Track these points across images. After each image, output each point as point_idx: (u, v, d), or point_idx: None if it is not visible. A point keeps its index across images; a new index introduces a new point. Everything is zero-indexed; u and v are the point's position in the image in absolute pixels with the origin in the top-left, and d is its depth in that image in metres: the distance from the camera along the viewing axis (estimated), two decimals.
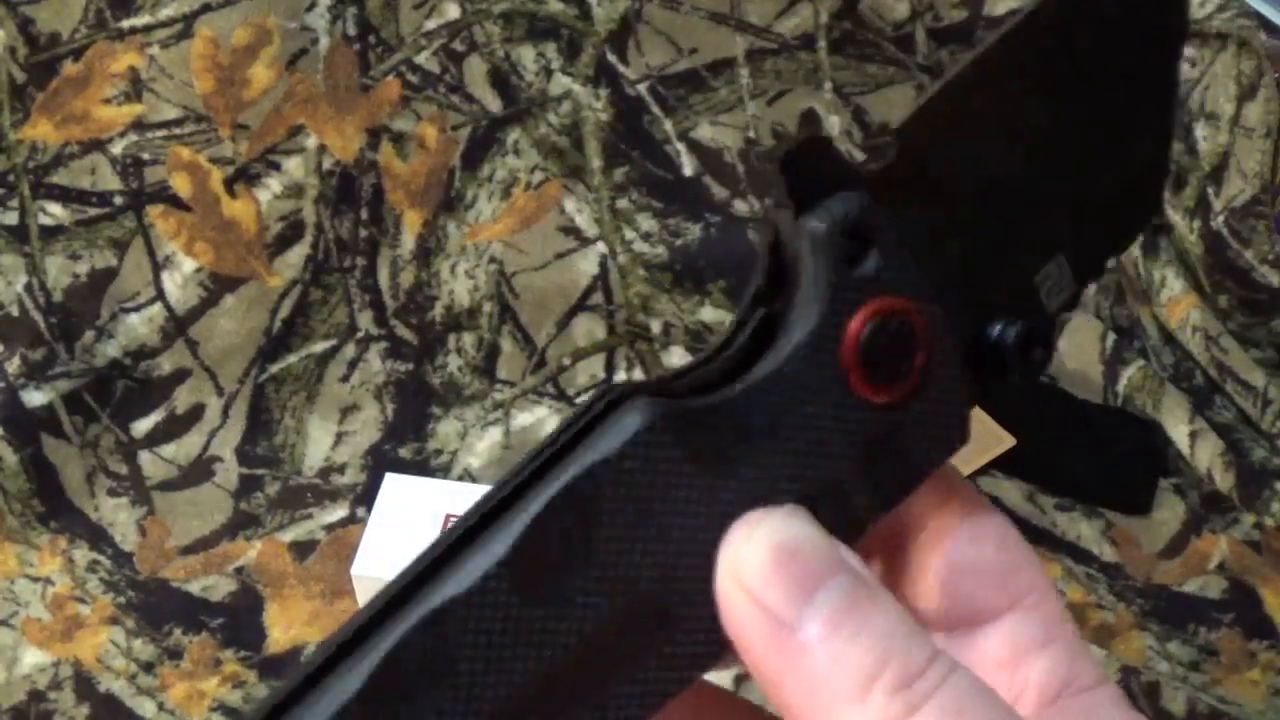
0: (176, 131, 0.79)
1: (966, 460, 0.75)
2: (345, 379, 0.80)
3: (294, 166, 0.80)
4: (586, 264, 0.82)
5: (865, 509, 0.24)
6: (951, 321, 0.24)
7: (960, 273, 0.25)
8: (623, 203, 0.83)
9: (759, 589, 0.22)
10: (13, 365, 0.77)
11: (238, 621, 0.69)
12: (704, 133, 0.83)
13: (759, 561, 0.22)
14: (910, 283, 0.24)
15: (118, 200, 0.79)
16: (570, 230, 0.82)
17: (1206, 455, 0.75)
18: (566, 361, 0.81)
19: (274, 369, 0.80)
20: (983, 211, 0.26)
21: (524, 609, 0.22)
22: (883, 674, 0.21)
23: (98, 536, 0.73)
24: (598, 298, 0.82)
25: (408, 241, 0.82)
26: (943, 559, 0.25)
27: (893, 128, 0.26)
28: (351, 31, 0.80)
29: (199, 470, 0.77)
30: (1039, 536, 0.73)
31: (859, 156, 0.84)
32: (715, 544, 0.23)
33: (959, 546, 0.25)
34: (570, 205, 0.82)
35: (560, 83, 0.82)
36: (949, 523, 0.25)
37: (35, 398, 0.75)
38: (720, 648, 0.23)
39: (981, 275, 0.26)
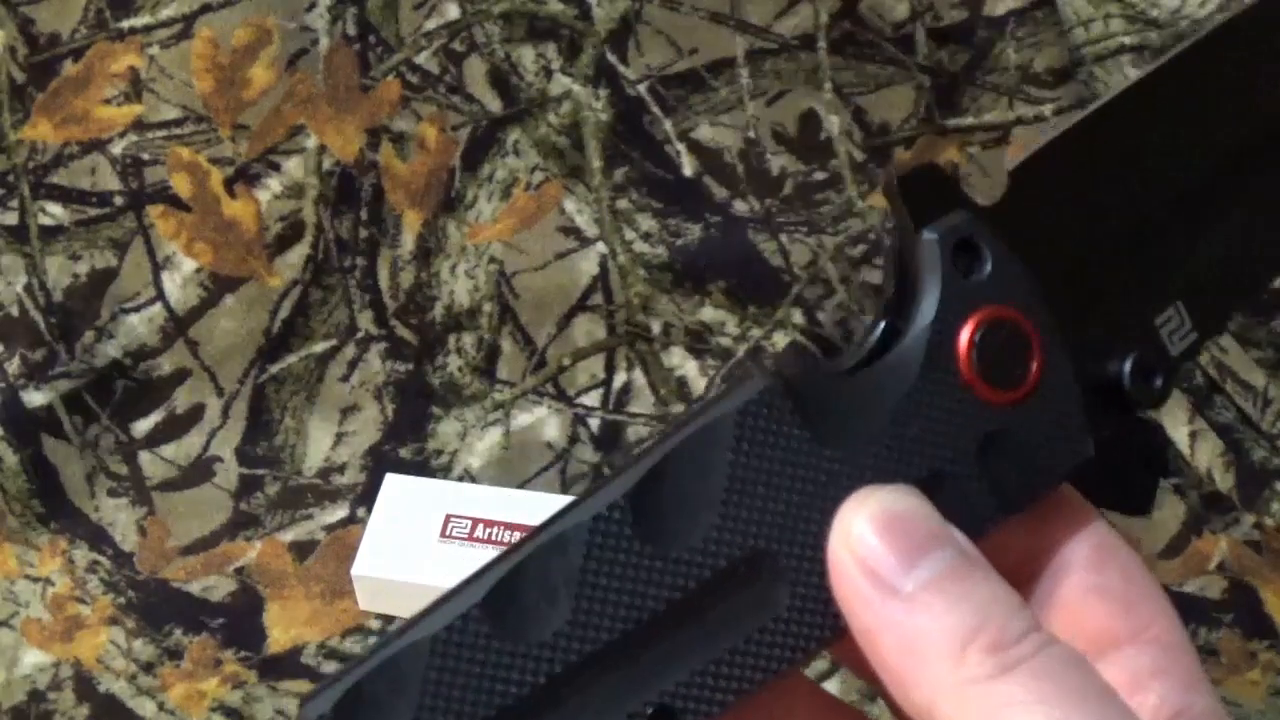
0: (176, 131, 0.79)
1: None
2: (345, 379, 0.80)
3: (294, 166, 0.80)
4: (586, 264, 0.82)
5: (983, 507, 0.25)
6: (1068, 347, 0.26)
7: (1075, 306, 0.27)
8: (623, 203, 0.83)
9: (867, 553, 0.23)
10: (13, 365, 0.77)
11: (238, 621, 0.69)
12: (704, 133, 0.83)
13: (869, 528, 0.23)
14: (1022, 294, 0.26)
15: (118, 200, 0.79)
16: (570, 230, 0.82)
17: (1206, 455, 0.75)
18: (566, 361, 0.81)
19: (274, 369, 0.80)
20: (1097, 252, 0.28)
21: (641, 544, 0.23)
22: (978, 637, 0.22)
23: (98, 537, 0.73)
24: (598, 298, 0.82)
25: (408, 241, 0.82)
26: (1070, 585, 0.26)
27: (1008, 169, 0.28)
28: (351, 31, 0.80)
29: (199, 470, 0.77)
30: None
31: (859, 157, 0.84)
32: (830, 513, 0.24)
33: (1087, 574, 0.26)
34: (570, 205, 0.82)
35: (560, 83, 0.82)
36: (1079, 551, 0.26)
37: (35, 398, 0.75)
38: (828, 624, 0.24)
39: (1099, 310, 0.28)
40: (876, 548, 0.23)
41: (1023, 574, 0.26)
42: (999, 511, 0.25)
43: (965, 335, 0.25)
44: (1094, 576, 0.26)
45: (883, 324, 0.26)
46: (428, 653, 0.23)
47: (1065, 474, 0.27)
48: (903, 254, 0.26)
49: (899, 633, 0.22)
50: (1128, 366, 0.27)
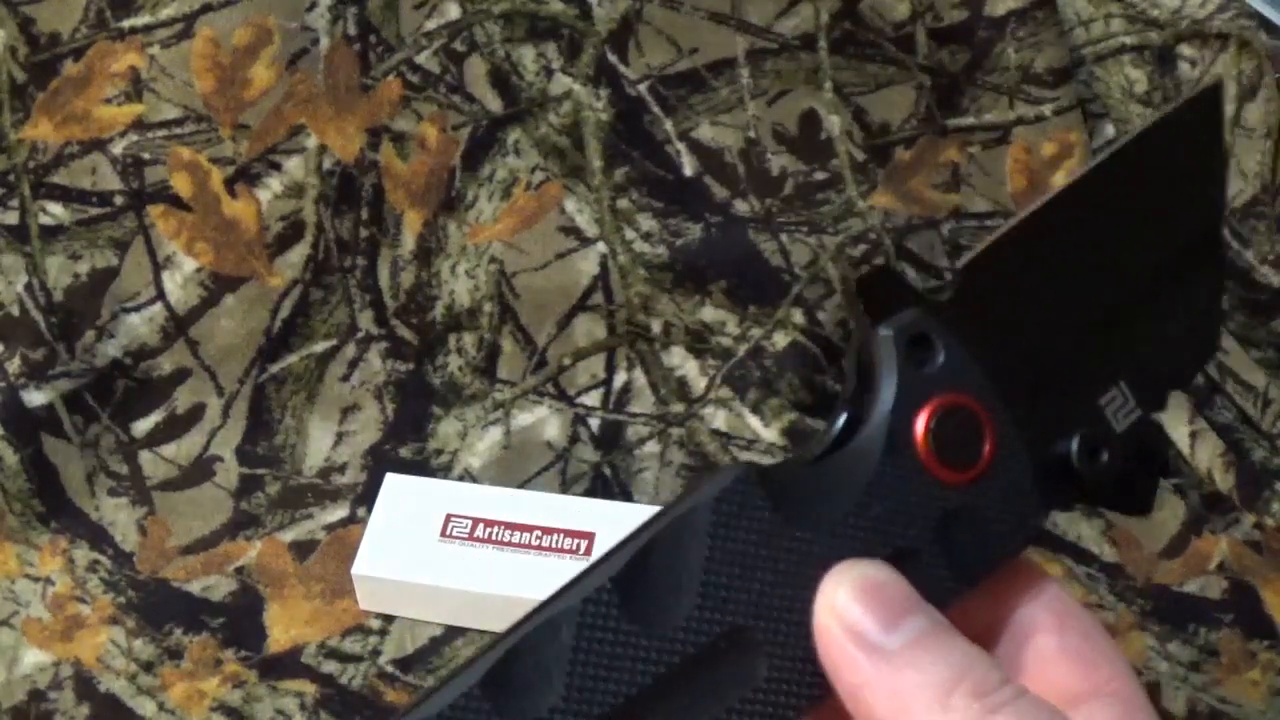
0: (177, 131, 0.79)
1: None
2: (345, 379, 0.80)
3: (294, 166, 0.80)
4: (587, 264, 0.82)
5: (945, 580, 0.27)
6: (1019, 428, 0.28)
7: (1025, 390, 0.29)
8: (623, 203, 0.83)
9: (851, 618, 0.25)
10: (13, 365, 0.77)
11: (238, 621, 0.69)
12: (704, 133, 0.83)
13: (850, 597, 0.26)
14: (973, 381, 0.28)
15: (118, 200, 0.79)
16: (570, 230, 0.82)
17: (1206, 455, 0.75)
18: (567, 361, 0.81)
19: (274, 369, 0.80)
20: (1043, 340, 0.30)
21: (629, 624, 0.25)
22: (961, 685, 0.24)
23: (98, 536, 0.73)
24: (598, 298, 0.82)
25: (408, 241, 0.82)
26: (1035, 647, 0.28)
27: (958, 266, 0.30)
28: (352, 31, 0.80)
29: (199, 470, 0.77)
30: (1039, 537, 0.73)
31: (860, 157, 0.84)
32: (805, 591, 0.26)
33: (1049, 637, 0.28)
34: (570, 205, 0.82)
35: (560, 83, 0.82)
36: (1040, 615, 0.28)
37: (35, 398, 0.75)
38: (804, 691, 0.26)
39: (1046, 394, 0.30)
40: (859, 613, 0.25)
41: (988, 639, 0.28)
42: (960, 583, 0.27)
43: (921, 422, 0.27)
44: (1056, 639, 0.28)
45: (844, 415, 0.28)
46: None
47: (1020, 545, 0.29)
48: (861, 349, 0.28)
49: (887, 687, 0.25)
50: (1075, 445, 0.29)
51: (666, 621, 0.25)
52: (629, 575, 0.25)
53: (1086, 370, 0.31)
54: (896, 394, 0.27)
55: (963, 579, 0.27)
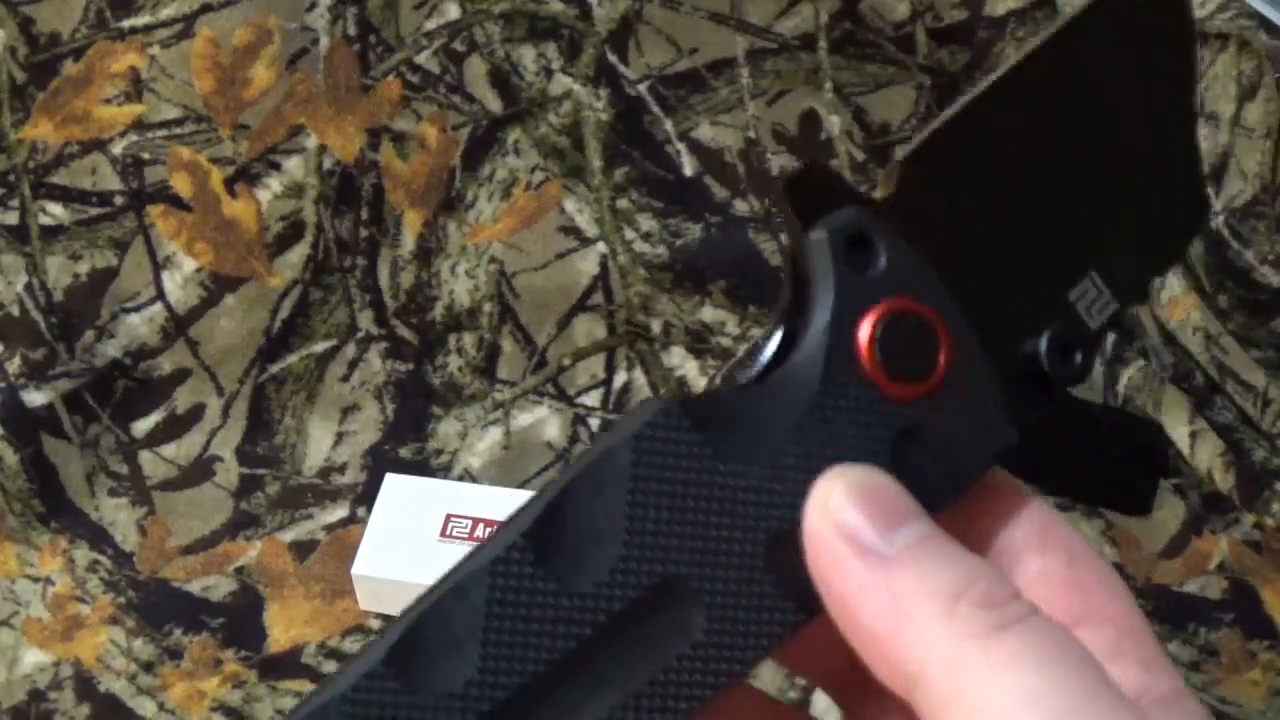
0: (177, 131, 0.79)
1: None
2: (345, 379, 0.80)
3: (294, 166, 0.80)
4: (586, 264, 0.82)
5: None
6: (978, 332, 0.25)
7: (983, 290, 0.26)
8: (623, 203, 0.83)
9: (846, 520, 0.23)
10: (13, 365, 0.77)
11: (238, 621, 0.69)
12: (704, 133, 0.83)
13: (846, 500, 0.23)
14: (921, 283, 0.25)
15: (118, 200, 0.79)
16: (570, 230, 0.82)
17: (1206, 455, 0.75)
18: (567, 361, 0.81)
19: (274, 369, 0.80)
20: (1000, 232, 0.27)
21: (546, 582, 0.22)
22: (969, 592, 0.22)
23: (98, 536, 0.73)
24: (598, 298, 0.82)
25: (408, 241, 0.82)
26: (1017, 572, 0.25)
27: (898, 159, 0.27)
28: (352, 31, 0.80)
29: (199, 470, 0.77)
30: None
31: (860, 157, 0.84)
32: (742, 532, 0.23)
33: (1032, 559, 0.25)
34: (570, 205, 0.82)
35: (560, 83, 0.82)
36: (1020, 535, 0.25)
37: (35, 398, 0.75)
38: (749, 643, 0.23)
39: (1007, 293, 0.27)
40: (855, 516, 0.23)
41: None
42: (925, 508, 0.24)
43: (865, 333, 0.24)
44: (1038, 560, 0.25)
45: (779, 332, 0.25)
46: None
47: (988, 461, 0.26)
48: (795, 257, 0.25)
49: (885, 594, 0.22)
50: (1043, 344, 0.26)
51: (588, 576, 0.23)
52: (543, 528, 0.23)
53: (1052, 262, 0.28)
54: (835, 303, 0.24)
55: (925, 504, 0.24)
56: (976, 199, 0.27)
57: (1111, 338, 0.82)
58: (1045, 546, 0.25)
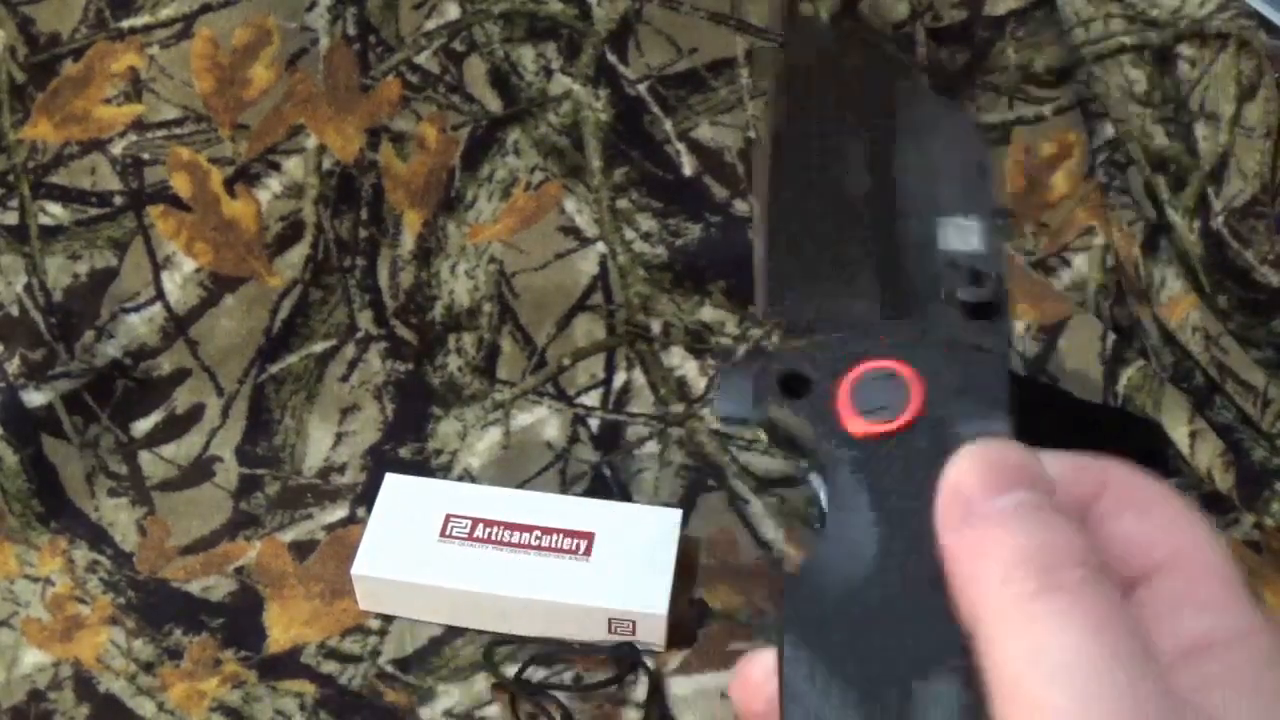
0: (176, 131, 0.79)
1: None
2: (345, 379, 0.80)
3: (294, 166, 0.80)
4: (586, 264, 0.82)
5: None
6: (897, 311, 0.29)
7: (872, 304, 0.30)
8: (623, 203, 0.83)
9: (959, 481, 0.25)
10: (13, 365, 0.77)
11: (238, 621, 0.69)
12: (704, 133, 0.83)
13: (968, 463, 0.26)
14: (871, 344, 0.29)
15: (118, 200, 0.79)
16: (570, 230, 0.82)
17: (1206, 455, 0.75)
18: (566, 361, 0.81)
19: (274, 369, 0.80)
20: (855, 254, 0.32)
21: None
22: (1033, 559, 0.24)
23: (98, 536, 0.73)
24: (598, 298, 0.82)
25: (408, 241, 0.82)
26: (1097, 536, 0.27)
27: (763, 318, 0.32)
28: (351, 31, 0.80)
29: (199, 470, 0.77)
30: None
31: None
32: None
33: (1100, 522, 0.27)
34: (570, 205, 0.82)
35: (560, 83, 0.82)
36: (1108, 504, 0.27)
37: (35, 398, 0.75)
38: None
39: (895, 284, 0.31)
40: (968, 478, 0.25)
41: None
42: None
43: (844, 402, 0.28)
44: (1103, 525, 0.27)
45: (814, 484, 0.28)
46: None
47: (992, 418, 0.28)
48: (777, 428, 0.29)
49: (969, 548, 0.25)
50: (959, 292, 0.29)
51: None
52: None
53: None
54: (820, 438, 0.28)
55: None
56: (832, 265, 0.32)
57: (1112, 338, 0.82)
58: (1111, 512, 0.27)
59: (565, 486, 0.76)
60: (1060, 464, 0.27)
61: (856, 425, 0.27)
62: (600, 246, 0.82)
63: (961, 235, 0.31)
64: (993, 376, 0.28)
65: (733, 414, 0.29)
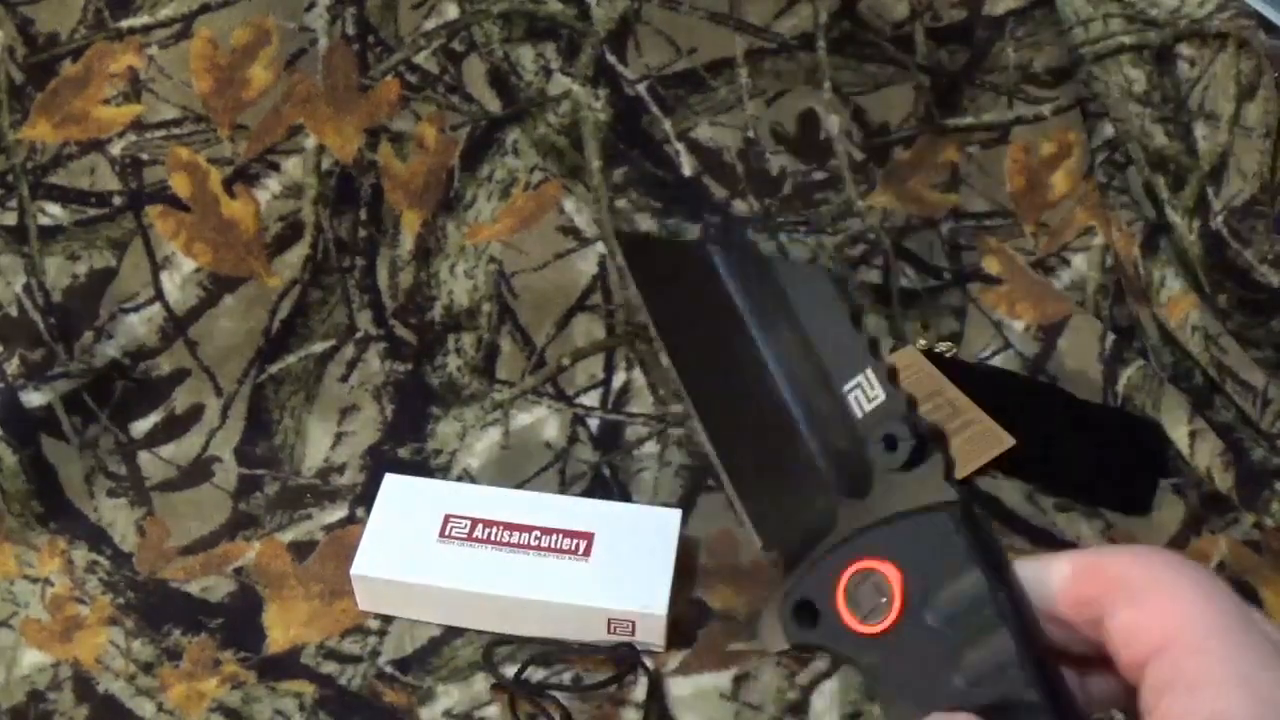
0: (176, 131, 0.79)
1: (966, 460, 0.75)
2: (345, 379, 0.80)
3: (293, 166, 0.80)
4: (586, 264, 0.82)
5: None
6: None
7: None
8: (622, 203, 0.83)
9: None
10: (12, 365, 0.77)
11: (237, 622, 0.69)
12: (703, 133, 0.83)
13: None
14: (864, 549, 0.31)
15: (117, 200, 0.79)
16: (570, 230, 0.82)
17: (1206, 455, 0.75)
18: (566, 361, 0.81)
19: (273, 369, 0.80)
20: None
21: None
22: None
23: (97, 537, 0.73)
24: (597, 298, 0.82)
25: (407, 241, 0.82)
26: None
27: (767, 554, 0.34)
28: (350, 31, 0.80)
29: (198, 470, 0.77)
30: (1039, 536, 0.73)
31: (859, 156, 0.84)
32: None
33: (1107, 617, 0.28)
34: (569, 205, 0.82)
35: (559, 83, 0.81)
36: (1098, 597, 0.28)
37: (34, 398, 0.75)
38: None
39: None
40: None
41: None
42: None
43: (846, 613, 0.31)
44: (1110, 613, 0.28)
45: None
46: None
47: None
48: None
49: None
50: (870, 449, 0.32)
51: None
52: None
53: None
54: (836, 643, 0.31)
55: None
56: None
57: (1111, 338, 0.82)
58: (1118, 599, 0.28)
59: (565, 486, 0.76)
60: (1069, 565, 0.28)
61: (863, 629, 0.31)
62: (599, 246, 0.82)
63: (865, 393, 0.34)
64: (945, 536, 0.30)
65: (778, 648, 0.33)
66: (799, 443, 0.35)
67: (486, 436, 0.78)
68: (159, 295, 0.79)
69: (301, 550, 0.73)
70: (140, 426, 0.78)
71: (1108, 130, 0.84)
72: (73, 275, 0.79)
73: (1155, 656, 0.26)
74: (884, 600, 0.30)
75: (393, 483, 0.72)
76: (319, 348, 0.81)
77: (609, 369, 0.81)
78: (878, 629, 0.30)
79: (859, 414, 0.33)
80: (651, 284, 0.39)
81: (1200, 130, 0.81)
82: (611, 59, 0.82)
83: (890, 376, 0.33)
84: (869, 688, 0.32)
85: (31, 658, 0.68)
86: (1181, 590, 0.26)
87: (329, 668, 0.67)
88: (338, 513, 0.75)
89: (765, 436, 0.36)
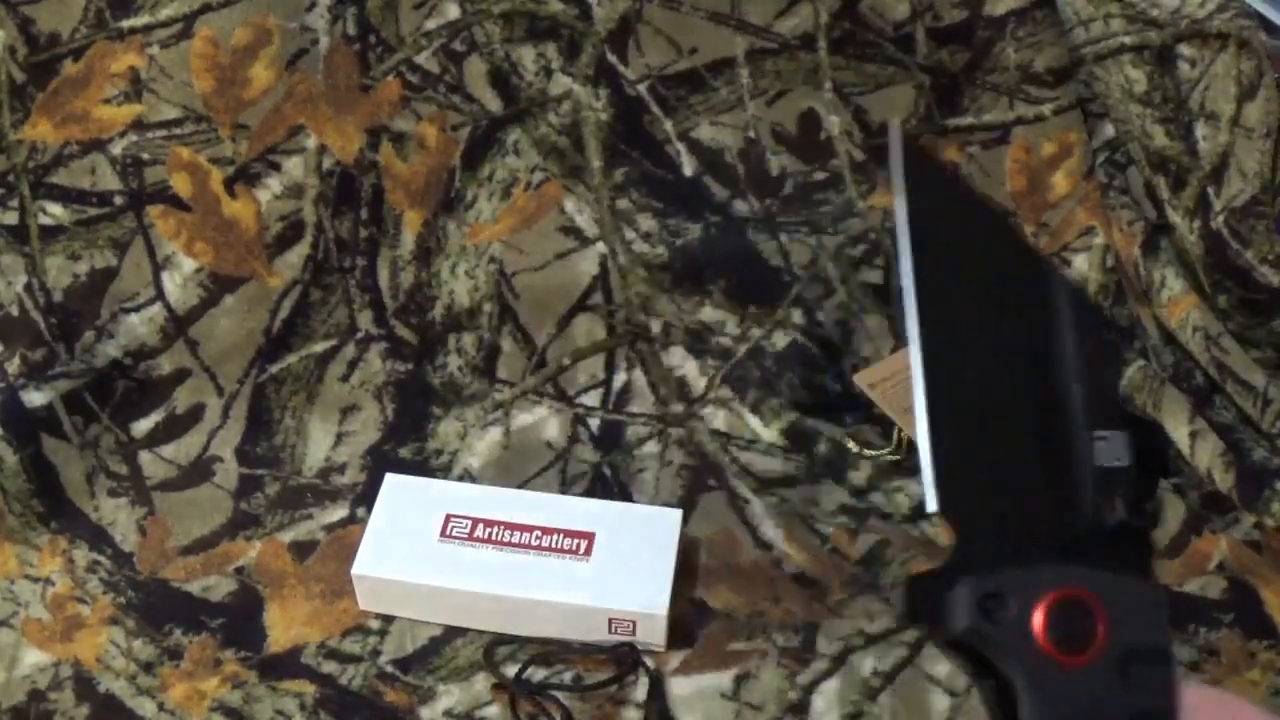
0: (176, 131, 0.79)
1: None
2: (345, 379, 0.80)
3: (294, 166, 0.80)
4: (586, 264, 0.82)
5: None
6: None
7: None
8: (623, 203, 0.83)
9: None
10: (13, 365, 0.77)
11: (238, 621, 0.69)
12: (704, 133, 0.83)
13: None
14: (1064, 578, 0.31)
15: (118, 200, 0.79)
16: (570, 230, 0.82)
17: (1206, 455, 0.75)
18: (566, 361, 0.81)
19: (274, 369, 0.80)
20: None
21: None
22: None
23: (98, 537, 0.73)
24: (598, 298, 0.82)
25: (408, 241, 0.82)
26: None
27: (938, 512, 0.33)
28: (351, 31, 0.80)
29: (199, 470, 0.77)
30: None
31: (859, 156, 0.84)
32: None
33: None
34: (570, 205, 0.82)
35: (560, 83, 0.82)
36: None
37: (35, 398, 0.75)
38: None
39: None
40: None
41: None
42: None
43: (1040, 629, 0.31)
44: None
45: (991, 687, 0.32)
46: None
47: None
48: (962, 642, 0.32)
49: None
50: (1121, 510, 0.33)
51: None
52: None
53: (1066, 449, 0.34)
54: (1014, 658, 0.31)
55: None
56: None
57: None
58: None
59: (565, 486, 0.76)
60: (1198, 696, 0.31)
61: (1053, 652, 0.31)
62: (600, 246, 0.82)
63: (1111, 450, 0.33)
64: (1157, 616, 0.31)
65: (954, 628, 0.32)
66: (1064, 437, 0.34)
67: (487, 436, 0.79)
68: (160, 295, 0.79)
69: (302, 550, 0.73)
70: (141, 426, 0.78)
71: (1108, 130, 0.84)
72: (74, 275, 0.79)
73: None
74: (1085, 635, 0.31)
75: (393, 482, 0.72)
76: (320, 347, 0.81)
77: (609, 369, 0.81)
78: (1072, 660, 0.31)
79: (1097, 462, 0.33)
80: (923, 195, 0.35)
81: (1201, 130, 0.81)
82: (612, 59, 0.82)
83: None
84: (991, 701, 0.33)
85: (32, 657, 0.68)
86: None
87: (329, 667, 0.68)
88: (338, 512, 0.75)
89: (1015, 405, 0.34)
